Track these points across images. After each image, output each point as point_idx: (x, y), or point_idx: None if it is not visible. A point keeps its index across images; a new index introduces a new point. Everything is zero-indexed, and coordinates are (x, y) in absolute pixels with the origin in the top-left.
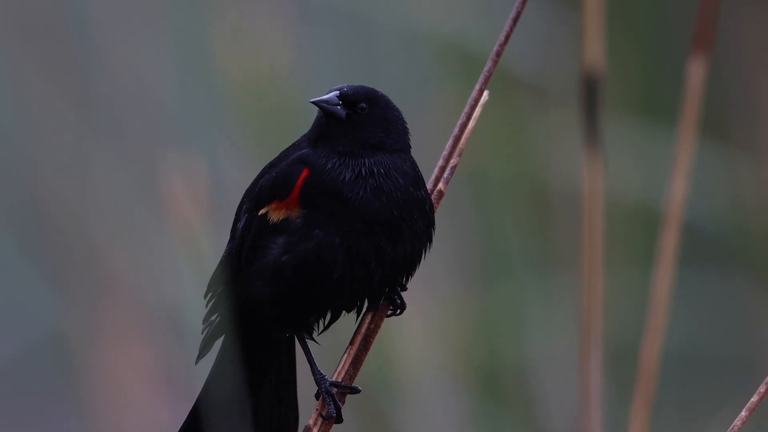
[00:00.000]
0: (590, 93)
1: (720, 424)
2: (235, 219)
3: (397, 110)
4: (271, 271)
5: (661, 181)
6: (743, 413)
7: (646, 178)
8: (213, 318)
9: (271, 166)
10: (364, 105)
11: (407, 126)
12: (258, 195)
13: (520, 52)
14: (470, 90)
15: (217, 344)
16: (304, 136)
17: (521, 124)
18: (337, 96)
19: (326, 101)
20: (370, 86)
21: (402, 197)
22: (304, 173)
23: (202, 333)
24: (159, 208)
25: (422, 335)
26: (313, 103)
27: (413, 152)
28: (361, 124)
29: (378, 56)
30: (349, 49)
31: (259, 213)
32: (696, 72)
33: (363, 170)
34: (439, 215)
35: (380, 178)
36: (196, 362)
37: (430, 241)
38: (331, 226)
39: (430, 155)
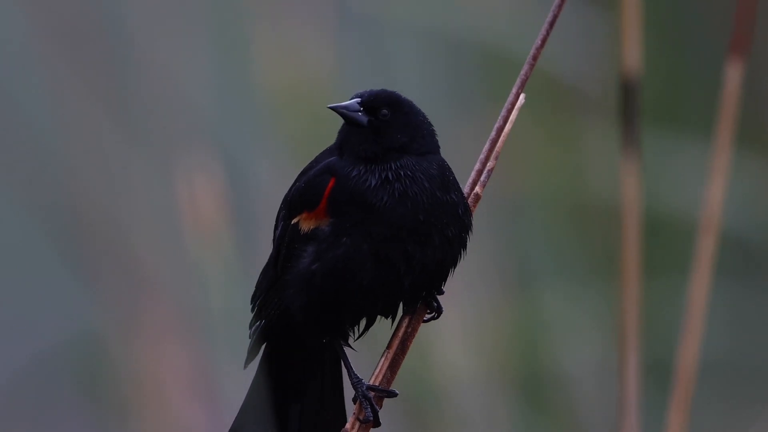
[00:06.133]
0: (628, 101)
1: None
2: (274, 226)
3: (422, 113)
4: (302, 280)
5: (698, 187)
6: None
7: (683, 184)
8: (257, 324)
9: (303, 173)
10: (386, 111)
11: (433, 128)
12: (290, 204)
13: (558, 53)
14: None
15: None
16: (336, 142)
17: (558, 130)
18: (358, 102)
19: (346, 108)
20: (393, 90)
21: (428, 201)
22: (331, 183)
23: (249, 338)
24: (185, 211)
25: (460, 340)
26: (331, 108)
27: (451, 157)
28: (383, 131)
29: (417, 63)
30: (387, 57)
31: (292, 222)
32: (733, 76)
33: (389, 175)
34: (476, 222)
35: (406, 181)
36: (244, 367)
37: (464, 247)
38: (359, 233)
39: (469, 159)
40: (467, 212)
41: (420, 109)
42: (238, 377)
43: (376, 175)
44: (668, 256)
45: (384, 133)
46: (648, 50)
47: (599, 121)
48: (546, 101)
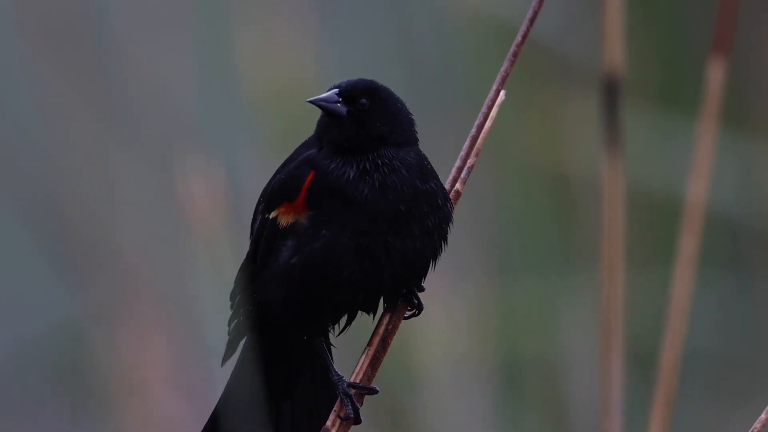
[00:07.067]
0: (610, 95)
1: (740, 425)
2: (252, 220)
3: (401, 102)
4: (282, 274)
5: (683, 173)
6: (763, 415)
7: (668, 169)
8: (236, 320)
9: (283, 166)
10: (364, 100)
11: (412, 117)
12: (269, 197)
13: (542, 37)
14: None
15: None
16: (314, 133)
17: (542, 117)
18: (336, 93)
19: (325, 100)
20: (371, 79)
21: (408, 192)
22: (310, 175)
23: (228, 335)
24: (177, 210)
25: (443, 332)
26: (311, 102)
27: (430, 154)
28: (363, 120)
29: (399, 64)
30: (370, 56)
31: (270, 216)
32: (715, 75)
33: (367, 166)
34: (460, 211)
35: (384, 171)
36: (222, 365)
37: (444, 239)
38: (338, 225)
39: (452, 153)
40: (447, 201)
41: (398, 98)
42: (223, 372)
43: (355, 167)
44: (653, 244)
45: (364, 123)
46: (633, 32)
47: (584, 104)
48: (529, 84)
